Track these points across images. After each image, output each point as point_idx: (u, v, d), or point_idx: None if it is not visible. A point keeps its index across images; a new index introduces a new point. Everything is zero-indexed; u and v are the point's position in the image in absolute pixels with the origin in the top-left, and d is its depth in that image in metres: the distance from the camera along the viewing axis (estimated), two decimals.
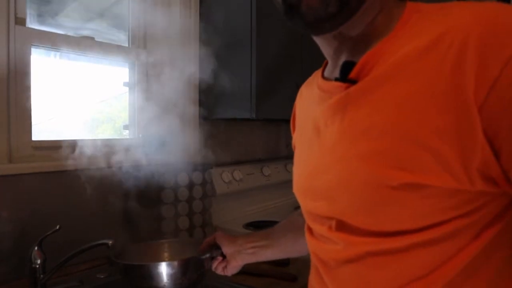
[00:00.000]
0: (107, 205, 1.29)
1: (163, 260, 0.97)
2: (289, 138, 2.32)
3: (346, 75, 0.54)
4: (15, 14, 1.12)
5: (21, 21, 1.14)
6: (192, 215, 1.43)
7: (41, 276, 0.97)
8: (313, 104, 0.63)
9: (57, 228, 0.97)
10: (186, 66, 1.52)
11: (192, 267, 0.88)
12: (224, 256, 0.91)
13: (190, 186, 1.44)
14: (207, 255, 0.90)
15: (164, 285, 0.85)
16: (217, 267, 0.92)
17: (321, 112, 0.59)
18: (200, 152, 1.54)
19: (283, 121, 2.16)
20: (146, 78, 1.48)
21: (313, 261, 0.65)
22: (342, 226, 0.56)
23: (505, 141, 0.42)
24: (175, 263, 0.86)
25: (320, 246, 0.62)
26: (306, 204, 0.65)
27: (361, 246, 0.54)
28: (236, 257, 0.89)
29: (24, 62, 1.14)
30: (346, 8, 0.51)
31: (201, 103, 1.57)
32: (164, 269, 0.85)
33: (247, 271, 1.18)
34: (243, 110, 1.51)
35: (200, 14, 1.57)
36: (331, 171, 0.56)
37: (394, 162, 0.48)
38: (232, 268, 0.91)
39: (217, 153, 1.63)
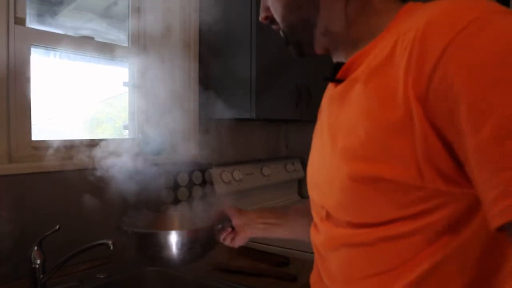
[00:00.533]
0: (107, 205, 1.29)
1: (173, 230, 0.96)
2: (288, 138, 2.32)
3: (334, 75, 0.59)
4: (15, 14, 1.12)
5: (20, 21, 1.14)
6: None
7: (41, 276, 0.96)
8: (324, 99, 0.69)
9: (57, 228, 0.97)
10: (186, 66, 1.52)
11: (201, 238, 0.88)
12: (233, 228, 0.92)
13: (190, 186, 1.44)
14: (218, 226, 0.90)
15: (173, 254, 0.85)
16: (226, 238, 0.93)
17: (322, 109, 0.66)
18: (200, 152, 1.54)
19: (283, 121, 2.16)
20: (146, 78, 1.48)
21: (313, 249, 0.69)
22: (328, 217, 0.60)
23: (454, 133, 0.41)
24: (185, 232, 0.86)
25: (314, 234, 0.66)
26: (309, 193, 0.69)
27: (338, 237, 0.58)
28: (246, 230, 0.91)
29: (23, 62, 1.14)
30: (302, 50, 0.63)
31: (200, 103, 1.57)
32: (174, 238, 0.85)
33: (247, 271, 1.18)
34: (243, 110, 1.51)
35: (200, 13, 1.57)
36: (322, 165, 0.61)
37: (359, 157, 0.51)
38: (240, 239, 0.93)
39: (217, 153, 1.63)
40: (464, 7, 0.42)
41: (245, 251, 1.36)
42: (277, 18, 0.63)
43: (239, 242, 0.94)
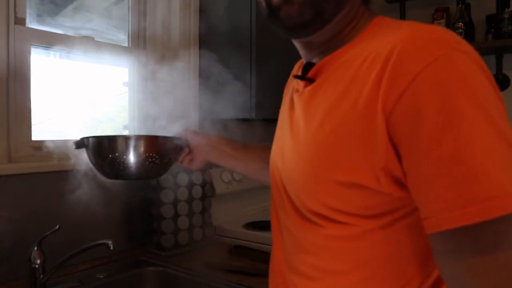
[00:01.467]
0: (107, 205, 1.29)
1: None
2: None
3: (305, 75, 0.62)
4: (15, 13, 1.12)
5: (20, 21, 1.14)
6: (192, 215, 1.43)
7: (41, 276, 0.97)
8: (290, 90, 0.71)
9: (57, 228, 0.97)
10: (186, 66, 1.52)
11: (159, 147, 0.87)
12: (190, 150, 0.93)
13: (190, 186, 1.44)
14: (175, 141, 0.90)
15: (131, 161, 0.84)
16: (184, 159, 0.94)
17: (290, 102, 0.68)
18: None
19: None
20: (146, 78, 1.48)
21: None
22: (292, 203, 0.65)
23: (405, 147, 0.47)
24: (142, 137, 0.86)
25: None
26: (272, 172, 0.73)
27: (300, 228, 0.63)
28: (201, 151, 0.93)
29: (23, 62, 1.14)
30: (320, 18, 0.58)
31: (200, 103, 1.57)
32: (131, 143, 0.84)
33: (247, 271, 1.18)
34: (242, 110, 1.51)
35: (200, 14, 1.57)
36: (290, 158, 0.63)
37: (321, 156, 0.55)
38: (197, 162, 0.94)
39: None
40: (435, 38, 0.48)
41: (246, 251, 1.36)
42: None
43: (196, 164, 0.95)
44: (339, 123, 0.53)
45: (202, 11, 1.57)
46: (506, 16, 1.79)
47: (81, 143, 0.88)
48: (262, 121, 2.01)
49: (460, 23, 1.84)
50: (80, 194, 1.22)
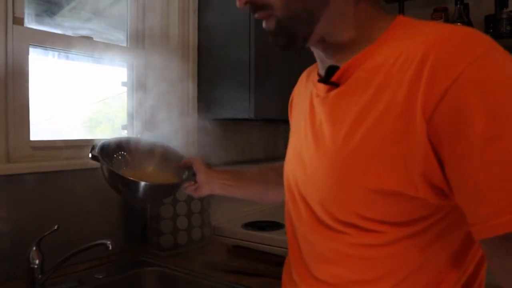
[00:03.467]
0: (106, 205, 1.29)
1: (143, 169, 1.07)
2: (287, 138, 2.32)
3: (329, 78, 0.60)
4: (13, 13, 1.12)
5: (19, 21, 1.14)
6: (191, 215, 1.43)
7: (39, 276, 0.96)
8: (308, 96, 0.68)
9: (56, 228, 0.97)
10: (185, 66, 1.52)
11: (166, 191, 1.02)
12: (195, 181, 1.01)
13: None
14: (184, 184, 1.00)
15: (139, 196, 0.94)
16: (188, 189, 1.02)
17: (310, 108, 0.65)
18: (199, 152, 1.54)
19: (282, 121, 2.15)
20: (145, 78, 1.48)
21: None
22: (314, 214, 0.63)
23: (449, 150, 0.46)
24: (151, 185, 0.94)
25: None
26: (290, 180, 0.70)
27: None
28: (206, 187, 1.00)
29: (22, 62, 1.14)
30: (296, 40, 0.59)
31: (199, 103, 1.57)
32: (141, 187, 0.92)
33: (246, 271, 1.18)
34: (242, 110, 1.51)
35: (199, 14, 1.57)
36: (315, 167, 0.61)
37: (349, 163, 0.54)
38: (201, 193, 1.02)
39: (216, 153, 1.63)
40: (472, 38, 0.47)
41: (244, 251, 1.36)
42: (278, 4, 0.57)
43: (200, 195, 1.02)
44: (371, 129, 0.51)
45: (201, 10, 1.57)
46: (504, 16, 1.79)
47: (98, 164, 0.96)
48: (262, 121, 2.01)
49: (459, 23, 1.85)
50: (79, 194, 1.22)
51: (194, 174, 1.00)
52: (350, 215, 0.55)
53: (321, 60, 0.65)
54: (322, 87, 0.62)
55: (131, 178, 0.92)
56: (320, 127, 0.60)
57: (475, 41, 0.47)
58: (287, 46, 0.61)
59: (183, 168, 1.04)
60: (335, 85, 0.59)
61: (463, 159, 0.44)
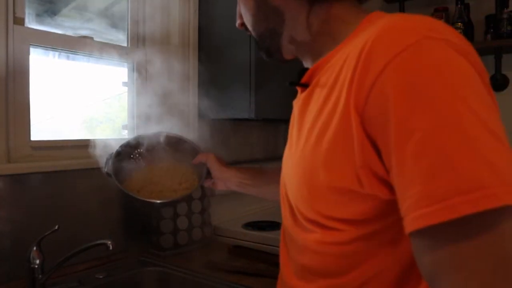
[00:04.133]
0: (106, 205, 1.29)
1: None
2: (287, 138, 2.31)
3: (299, 80, 0.64)
4: (14, 13, 1.12)
5: (19, 21, 1.14)
6: (191, 215, 1.43)
7: (40, 276, 0.96)
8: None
9: (56, 228, 0.97)
10: (185, 66, 1.52)
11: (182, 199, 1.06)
12: (211, 177, 1.02)
13: None
14: (197, 195, 1.05)
15: (153, 206, 0.98)
16: (205, 184, 1.04)
17: (294, 110, 0.68)
18: (199, 152, 1.54)
19: (282, 121, 2.16)
20: (145, 78, 1.48)
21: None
22: (292, 212, 0.66)
23: (381, 141, 0.46)
24: (165, 201, 0.97)
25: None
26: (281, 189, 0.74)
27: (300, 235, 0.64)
28: (222, 184, 1.02)
29: (22, 61, 1.14)
30: (271, 52, 0.67)
31: (200, 103, 1.57)
32: (156, 204, 0.98)
33: (246, 271, 1.18)
34: (242, 110, 1.51)
35: (199, 14, 1.57)
36: (288, 167, 0.65)
37: (309, 163, 0.55)
38: (218, 188, 1.04)
39: (216, 153, 1.63)
40: (405, 28, 0.46)
41: (245, 251, 1.36)
42: (248, 26, 0.68)
43: (216, 189, 1.04)
44: (322, 128, 0.52)
45: (201, 10, 1.57)
46: (505, 16, 1.79)
47: (98, 164, 1.00)
48: (262, 121, 2.01)
49: (459, 23, 1.85)
50: (79, 194, 1.22)
51: (208, 172, 1.02)
52: (314, 214, 0.56)
53: (306, 66, 0.69)
54: (299, 89, 0.66)
55: (146, 199, 0.95)
56: (292, 129, 0.65)
57: (408, 30, 0.45)
58: (268, 57, 0.69)
59: (197, 163, 1.05)
60: (306, 86, 0.62)
61: (390, 151, 0.44)
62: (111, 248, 0.95)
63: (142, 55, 1.48)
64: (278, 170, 1.00)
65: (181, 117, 1.45)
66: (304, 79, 0.62)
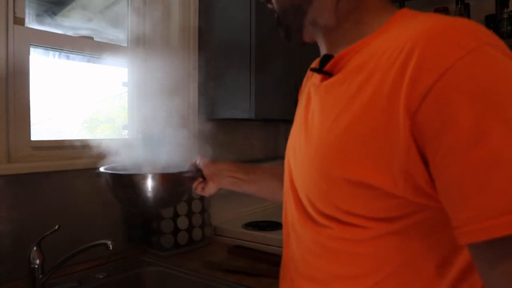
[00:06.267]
0: (106, 205, 1.29)
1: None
2: (288, 138, 2.31)
3: (322, 67, 0.60)
4: (14, 13, 1.12)
5: (20, 21, 1.14)
6: (191, 215, 1.43)
7: (40, 276, 0.96)
8: (308, 87, 0.69)
9: (56, 228, 0.97)
10: (185, 66, 1.52)
11: (173, 183, 0.93)
12: (204, 178, 0.96)
13: None
14: (189, 174, 0.94)
15: (147, 196, 0.88)
16: (197, 186, 0.97)
17: (307, 98, 0.65)
18: (199, 152, 1.54)
19: (282, 121, 2.16)
20: (145, 78, 1.48)
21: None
22: (301, 205, 0.62)
23: (433, 149, 0.43)
24: (158, 175, 0.89)
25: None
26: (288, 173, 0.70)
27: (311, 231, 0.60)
28: (214, 179, 0.95)
29: (22, 61, 1.14)
30: (292, 31, 0.63)
31: (200, 103, 1.57)
32: (148, 181, 0.88)
33: (247, 271, 1.18)
34: (242, 110, 1.51)
35: (199, 14, 1.57)
36: (302, 156, 0.61)
37: (333, 154, 0.53)
38: (210, 188, 0.96)
39: (216, 153, 1.63)
40: (463, 32, 0.44)
41: (245, 251, 1.36)
42: None
43: (209, 191, 0.97)
44: (355, 118, 0.50)
45: (202, 10, 1.57)
46: (505, 16, 1.79)
47: (100, 175, 0.92)
48: (261, 121, 2.01)
49: None
50: (80, 194, 1.22)
51: (200, 170, 0.97)
52: (331, 208, 0.54)
53: (323, 51, 0.66)
54: (318, 76, 0.62)
55: (136, 173, 0.89)
56: (312, 117, 0.60)
57: (467, 34, 0.44)
58: (286, 37, 0.65)
59: (189, 169, 1.00)
60: (329, 74, 0.59)
61: (446, 159, 0.42)
62: (111, 248, 0.95)
63: (142, 55, 1.48)
64: (273, 166, 0.97)
65: (181, 117, 1.45)
66: (328, 67, 0.58)
